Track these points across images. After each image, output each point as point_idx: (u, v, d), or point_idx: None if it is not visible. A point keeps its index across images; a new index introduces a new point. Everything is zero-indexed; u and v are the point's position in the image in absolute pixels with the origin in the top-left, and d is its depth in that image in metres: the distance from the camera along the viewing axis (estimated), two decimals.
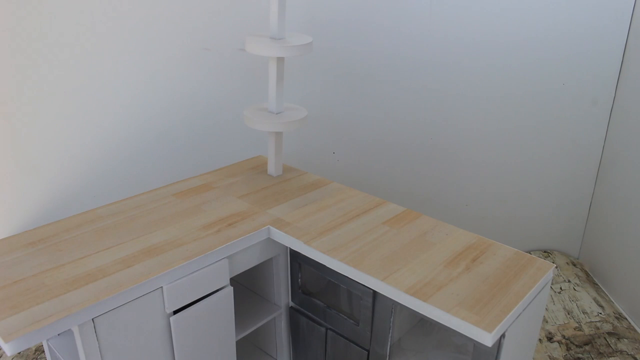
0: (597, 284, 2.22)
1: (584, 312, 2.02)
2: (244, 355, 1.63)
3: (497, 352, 1.10)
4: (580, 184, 2.35)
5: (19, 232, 1.47)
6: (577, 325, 1.94)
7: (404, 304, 1.13)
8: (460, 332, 1.05)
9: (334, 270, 1.29)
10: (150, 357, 1.21)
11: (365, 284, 1.20)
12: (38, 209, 1.88)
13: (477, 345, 1.11)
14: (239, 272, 1.35)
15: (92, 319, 1.08)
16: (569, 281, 2.22)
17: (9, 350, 0.97)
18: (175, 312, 1.23)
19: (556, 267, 2.31)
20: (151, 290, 1.16)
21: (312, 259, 1.33)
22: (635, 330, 1.92)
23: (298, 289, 1.46)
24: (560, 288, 2.19)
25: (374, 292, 1.24)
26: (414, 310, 1.14)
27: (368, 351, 1.34)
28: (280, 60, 1.54)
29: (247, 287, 1.59)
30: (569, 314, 2.01)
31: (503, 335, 1.08)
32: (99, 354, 1.12)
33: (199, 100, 1.94)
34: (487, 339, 1.02)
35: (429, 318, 1.11)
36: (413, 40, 2.03)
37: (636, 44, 2.00)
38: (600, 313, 2.01)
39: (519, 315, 1.11)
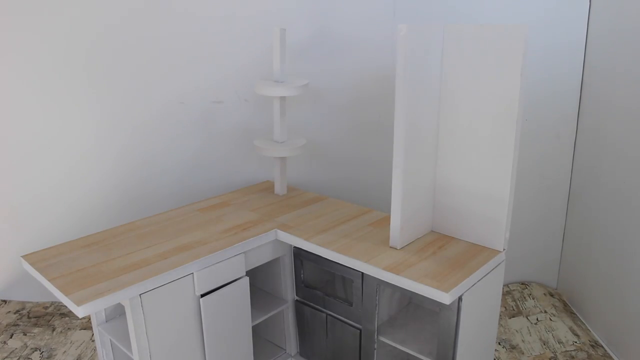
0: (574, 313, 2.28)
1: (560, 342, 2.08)
2: (257, 348, 1.91)
3: (458, 312, 1.39)
4: (552, 215, 2.45)
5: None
6: (553, 355, 2.00)
7: (382, 278, 1.44)
8: (425, 295, 1.36)
9: (330, 261, 1.60)
10: (184, 331, 1.51)
11: (353, 267, 1.51)
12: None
13: (442, 307, 1.41)
14: (253, 267, 1.67)
15: (140, 295, 1.39)
16: (546, 312, 2.29)
17: (80, 312, 1.28)
18: (203, 296, 1.53)
19: (533, 299, 2.39)
20: (184, 275, 1.47)
21: (312, 254, 1.65)
22: (610, 358, 1.97)
23: (301, 284, 1.77)
24: (537, 319, 2.24)
25: (363, 274, 1.55)
26: (391, 284, 1.44)
27: (360, 330, 1.63)
28: (282, 99, 1.90)
29: (260, 287, 1.90)
30: (544, 344, 2.08)
31: (460, 299, 1.38)
32: (144, 326, 1.42)
33: (217, 140, 2.29)
34: (445, 298, 1.32)
35: (402, 288, 1.41)
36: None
37: (590, 80, 2.23)
38: (576, 342, 2.07)
39: (473, 284, 1.42)
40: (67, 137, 2.21)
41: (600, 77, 2.13)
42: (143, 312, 1.41)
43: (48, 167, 2.25)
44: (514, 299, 2.40)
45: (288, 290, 1.81)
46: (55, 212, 2.30)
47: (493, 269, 1.51)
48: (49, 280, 1.39)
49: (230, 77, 2.20)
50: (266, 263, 1.75)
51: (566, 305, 2.35)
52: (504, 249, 1.53)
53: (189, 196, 2.25)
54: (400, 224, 1.52)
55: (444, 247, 1.56)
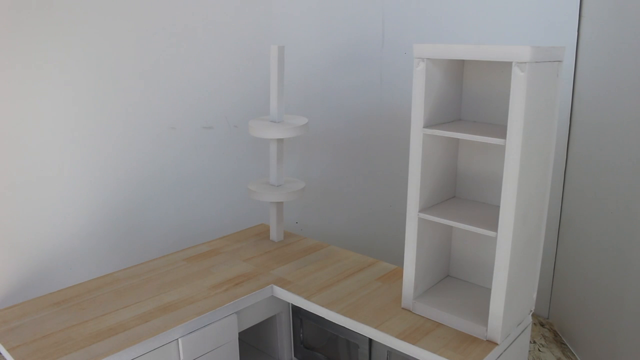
0: (564, 344, 2.18)
1: None
2: None
3: None
4: (543, 242, 2.36)
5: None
6: None
7: (395, 348, 1.25)
8: None
9: (333, 323, 1.41)
10: None
11: (361, 332, 1.32)
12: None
13: None
14: (246, 327, 1.47)
15: None
16: (534, 342, 2.17)
17: None
18: None
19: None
20: (168, 341, 1.28)
21: (312, 314, 1.46)
22: None
23: (300, 344, 1.58)
24: None
25: (370, 340, 1.36)
26: (405, 355, 1.26)
27: None
28: (280, 140, 1.73)
29: (253, 345, 1.70)
30: None
31: None
32: None
33: (205, 176, 2.11)
34: None
35: None
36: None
37: (580, 107, 2.09)
38: None
39: (500, 354, 1.23)
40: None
41: (589, 103, 2.02)
42: None
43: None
44: None
45: (285, 350, 1.61)
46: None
47: (521, 333, 1.32)
48: (7, 351, 1.20)
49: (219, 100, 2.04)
50: None
51: (556, 336, 2.23)
52: (530, 311, 1.35)
53: (175, 240, 2.06)
54: (414, 280, 1.34)
55: None
